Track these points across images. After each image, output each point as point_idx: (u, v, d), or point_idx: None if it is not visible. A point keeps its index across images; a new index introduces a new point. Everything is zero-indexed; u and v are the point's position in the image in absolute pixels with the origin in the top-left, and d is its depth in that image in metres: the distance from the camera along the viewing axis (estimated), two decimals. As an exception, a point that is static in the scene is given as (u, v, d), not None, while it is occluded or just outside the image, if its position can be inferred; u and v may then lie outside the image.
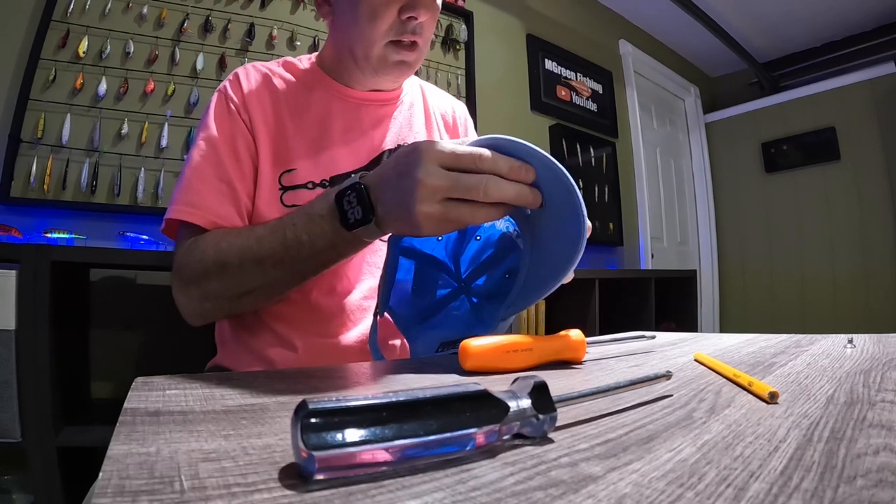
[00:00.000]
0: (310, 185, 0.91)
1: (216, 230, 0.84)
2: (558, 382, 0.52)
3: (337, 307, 0.91)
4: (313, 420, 0.24)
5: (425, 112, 1.09)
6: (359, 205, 0.65)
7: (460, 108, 1.17)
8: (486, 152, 0.59)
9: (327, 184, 0.92)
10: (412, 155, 0.59)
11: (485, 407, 0.29)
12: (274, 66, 1.00)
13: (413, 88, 1.10)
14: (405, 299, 0.81)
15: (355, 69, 0.95)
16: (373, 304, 0.83)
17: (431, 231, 0.61)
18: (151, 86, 2.02)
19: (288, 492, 0.24)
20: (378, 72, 0.93)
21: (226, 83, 0.95)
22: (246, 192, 0.89)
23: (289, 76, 0.98)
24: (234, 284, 0.79)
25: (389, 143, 1.00)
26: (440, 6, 0.92)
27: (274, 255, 0.74)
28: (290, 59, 1.02)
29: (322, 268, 0.76)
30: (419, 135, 1.05)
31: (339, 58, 0.97)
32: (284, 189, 0.91)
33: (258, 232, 0.77)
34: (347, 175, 0.94)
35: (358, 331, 0.91)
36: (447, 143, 0.60)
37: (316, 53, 1.04)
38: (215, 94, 0.94)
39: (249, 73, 0.96)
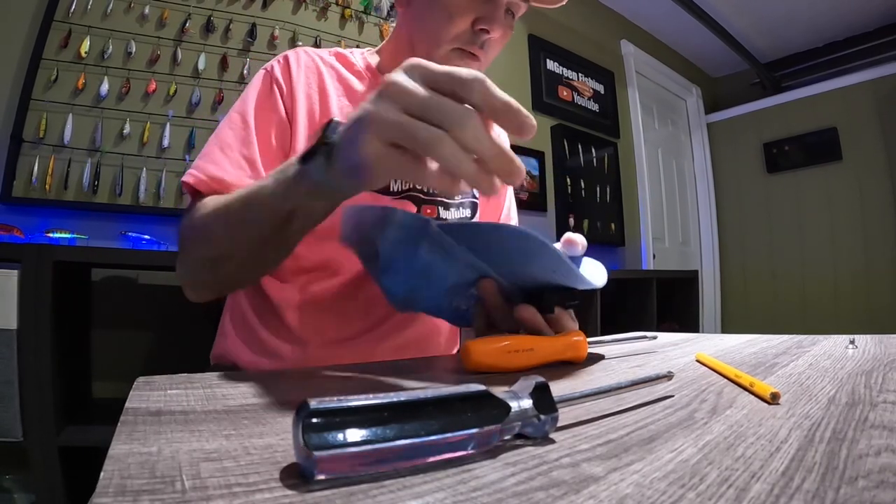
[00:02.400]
0: None
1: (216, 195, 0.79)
2: (560, 383, 0.52)
3: (360, 310, 0.90)
4: (314, 420, 0.24)
5: None
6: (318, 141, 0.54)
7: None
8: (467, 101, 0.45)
9: None
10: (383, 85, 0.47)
11: (486, 407, 0.29)
12: (325, 54, 0.97)
13: None
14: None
15: None
16: (390, 312, 0.89)
17: (377, 174, 0.48)
18: (153, 86, 2.02)
19: (289, 492, 0.24)
20: None
21: (274, 63, 0.92)
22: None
23: (340, 67, 0.96)
24: (210, 246, 0.73)
25: None
26: (513, 30, 0.90)
27: (242, 201, 0.67)
28: (342, 51, 1.00)
29: (272, 221, 0.63)
30: None
31: (398, 54, 0.94)
32: None
33: (239, 190, 0.71)
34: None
35: (376, 335, 0.91)
36: (431, 71, 0.46)
37: (368, 50, 1.02)
38: (261, 72, 0.91)
39: (300, 59, 0.93)
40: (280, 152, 0.87)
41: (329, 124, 0.53)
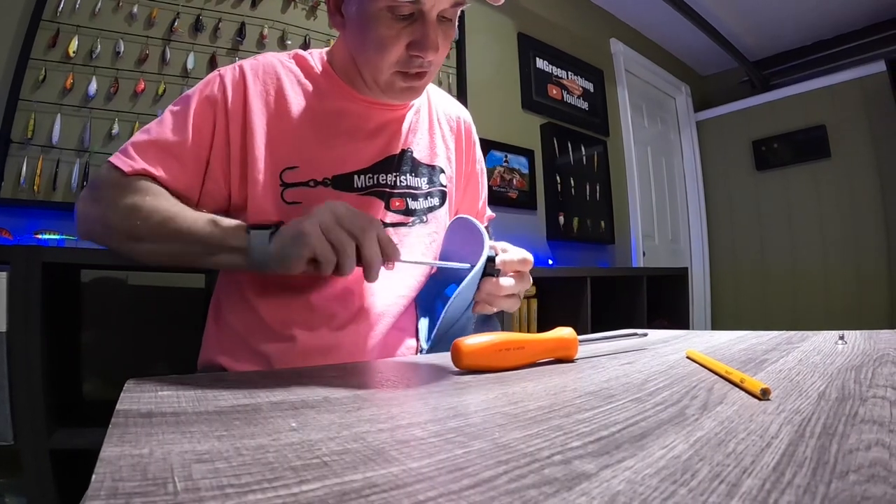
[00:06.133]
0: (311, 183, 0.91)
1: (158, 188, 0.85)
2: (550, 381, 0.52)
3: (336, 306, 0.91)
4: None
5: (429, 116, 1.08)
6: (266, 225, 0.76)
7: (465, 115, 1.17)
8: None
9: (329, 182, 0.92)
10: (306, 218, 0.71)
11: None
12: (285, 59, 0.98)
13: None
14: None
15: (363, 85, 0.95)
16: (370, 305, 0.94)
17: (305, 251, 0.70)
18: (142, 85, 2.01)
19: (282, 492, 0.24)
20: (385, 94, 0.93)
21: (227, 70, 0.93)
22: (194, 176, 0.89)
23: (299, 72, 0.97)
24: (130, 228, 0.81)
25: (392, 148, 0.99)
26: (454, 37, 0.91)
27: (175, 229, 0.79)
28: (301, 52, 1.00)
29: (203, 258, 0.81)
30: (423, 140, 1.05)
31: (349, 66, 0.95)
32: (286, 186, 0.90)
33: (186, 210, 0.81)
34: (350, 175, 0.94)
35: (356, 326, 0.92)
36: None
37: (326, 50, 1.02)
38: (212, 74, 0.93)
39: (258, 68, 0.94)
40: (208, 152, 0.90)
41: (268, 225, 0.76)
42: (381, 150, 0.98)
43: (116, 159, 0.84)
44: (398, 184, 0.98)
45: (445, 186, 1.07)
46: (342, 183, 0.93)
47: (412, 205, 1.00)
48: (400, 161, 1.00)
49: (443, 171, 1.07)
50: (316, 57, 1.00)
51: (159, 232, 0.79)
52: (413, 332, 1.03)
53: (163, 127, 0.87)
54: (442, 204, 1.05)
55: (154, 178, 0.85)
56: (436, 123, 1.09)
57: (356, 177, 0.94)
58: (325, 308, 0.91)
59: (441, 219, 1.05)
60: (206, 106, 0.89)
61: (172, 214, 0.80)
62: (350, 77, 0.97)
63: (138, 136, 0.87)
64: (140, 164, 0.84)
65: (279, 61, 0.97)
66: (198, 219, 0.80)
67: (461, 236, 0.93)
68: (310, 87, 0.96)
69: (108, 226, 0.83)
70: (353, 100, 0.97)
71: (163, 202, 0.81)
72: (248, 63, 0.95)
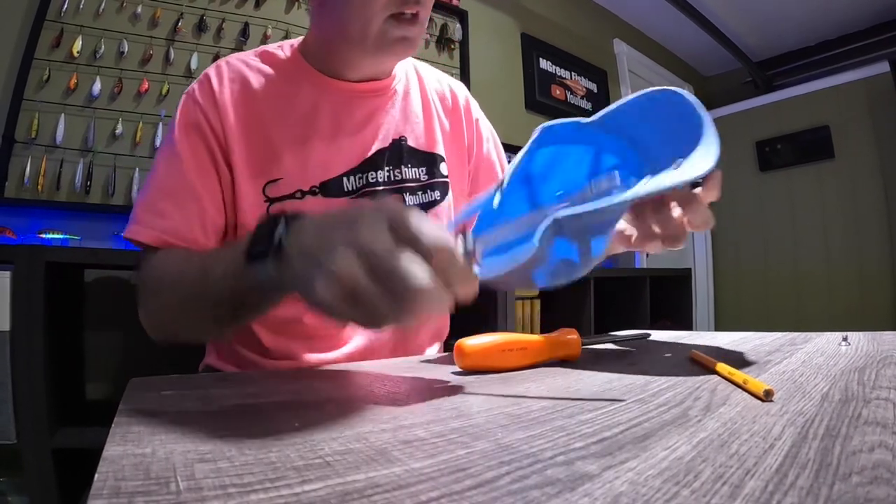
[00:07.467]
0: (298, 195, 0.84)
1: (171, 249, 0.79)
2: (553, 381, 0.52)
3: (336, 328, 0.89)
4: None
5: (423, 98, 1.00)
6: (268, 238, 0.52)
7: (460, 90, 1.07)
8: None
9: (317, 191, 0.85)
10: (343, 227, 0.44)
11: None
12: (251, 58, 0.90)
13: (407, 71, 1.01)
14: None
15: (351, 52, 0.85)
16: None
17: (325, 309, 0.44)
18: (146, 85, 2.01)
19: (284, 492, 0.24)
20: (379, 50, 0.83)
21: (195, 86, 0.86)
22: (214, 204, 0.83)
23: (268, 70, 0.89)
24: (166, 308, 0.77)
25: (382, 140, 0.92)
26: None
27: (194, 287, 0.70)
28: (269, 48, 0.93)
29: (223, 306, 0.66)
30: (418, 126, 0.97)
31: (328, 44, 0.87)
32: (271, 201, 0.83)
33: (193, 258, 0.74)
34: (339, 179, 0.87)
35: (358, 344, 0.91)
36: (384, 242, 0.41)
37: (298, 40, 0.94)
38: (183, 98, 0.86)
39: (222, 73, 0.87)
40: (214, 174, 0.83)
41: (274, 222, 0.51)
42: (369, 144, 0.91)
43: (132, 233, 0.80)
44: (392, 179, 0.91)
45: (447, 177, 0.99)
46: (331, 188, 0.86)
47: (409, 200, 0.92)
48: (391, 153, 0.92)
49: (443, 160, 0.99)
50: (287, 49, 0.93)
51: (180, 296, 0.73)
52: (416, 348, 0.99)
53: (158, 175, 0.82)
54: (443, 198, 0.97)
55: (172, 244, 0.79)
56: (431, 105, 1.01)
57: (345, 179, 0.88)
58: (326, 330, 0.89)
59: (443, 215, 0.96)
60: (190, 133, 0.83)
61: (181, 278, 0.73)
62: (329, 61, 0.89)
63: (141, 197, 0.82)
64: (156, 232, 0.79)
65: (244, 63, 0.89)
66: (202, 270, 0.68)
67: (654, 122, 0.65)
68: (283, 85, 0.89)
69: (158, 315, 0.80)
70: (331, 91, 0.90)
71: (176, 265, 0.76)
72: (211, 71, 0.88)
